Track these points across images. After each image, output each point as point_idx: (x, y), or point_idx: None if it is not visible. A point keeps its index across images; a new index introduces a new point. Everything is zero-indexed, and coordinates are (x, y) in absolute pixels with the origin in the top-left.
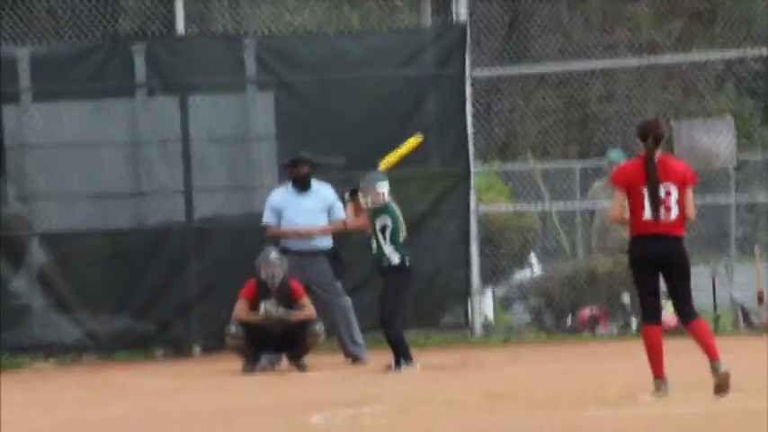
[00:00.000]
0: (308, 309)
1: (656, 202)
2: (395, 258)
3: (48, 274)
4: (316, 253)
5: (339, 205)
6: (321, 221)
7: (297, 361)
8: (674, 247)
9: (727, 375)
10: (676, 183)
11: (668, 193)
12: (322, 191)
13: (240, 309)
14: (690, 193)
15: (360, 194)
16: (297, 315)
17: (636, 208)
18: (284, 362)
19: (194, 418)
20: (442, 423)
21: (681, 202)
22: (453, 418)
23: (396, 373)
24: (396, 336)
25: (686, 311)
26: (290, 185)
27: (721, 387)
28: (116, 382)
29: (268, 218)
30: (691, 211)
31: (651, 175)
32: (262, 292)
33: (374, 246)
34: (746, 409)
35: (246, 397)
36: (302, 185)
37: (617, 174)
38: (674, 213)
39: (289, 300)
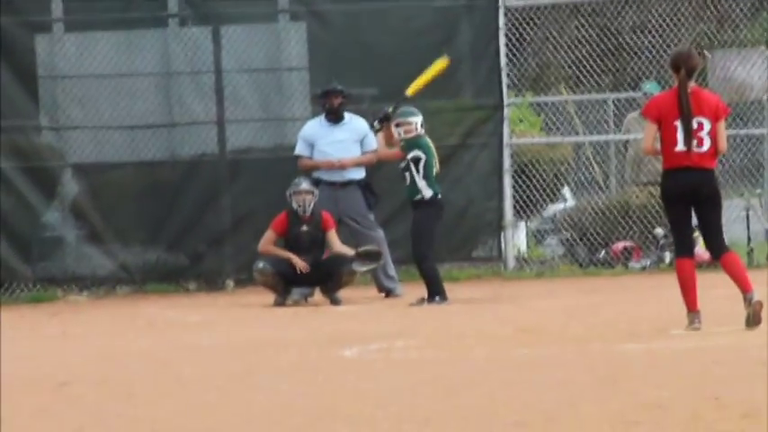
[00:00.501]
0: (336, 244)
1: (689, 135)
2: (428, 192)
3: (80, 206)
4: (348, 184)
5: (372, 136)
6: (354, 153)
7: (330, 295)
8: (705, 180)
9: (759, 305)
10: (708, 115)
11: (700, 126)
12: (354, 122)
13: (267, 240)
14: (722, 126)
15: (392, 124)
16: (338, 250)
17: (668, 140)
18: (317, 295)
19: (225, 350)
20: (474, 356)
21: (713, 135)
22: (486, 352)
23: (429, 306)
24: (429, 269)
25: (717, 245)
26: (322, 117)
27: (753, 317)
28: (148, 314)
29: (300, 149)
30: (722, 144)
31: (684, 107)
32: (293, 221)
33: (407, 179)
34: None
35: (278, 330)
36: (335, 117)
37: (649, 106)
38: (706, 146)
39: (318, 230)
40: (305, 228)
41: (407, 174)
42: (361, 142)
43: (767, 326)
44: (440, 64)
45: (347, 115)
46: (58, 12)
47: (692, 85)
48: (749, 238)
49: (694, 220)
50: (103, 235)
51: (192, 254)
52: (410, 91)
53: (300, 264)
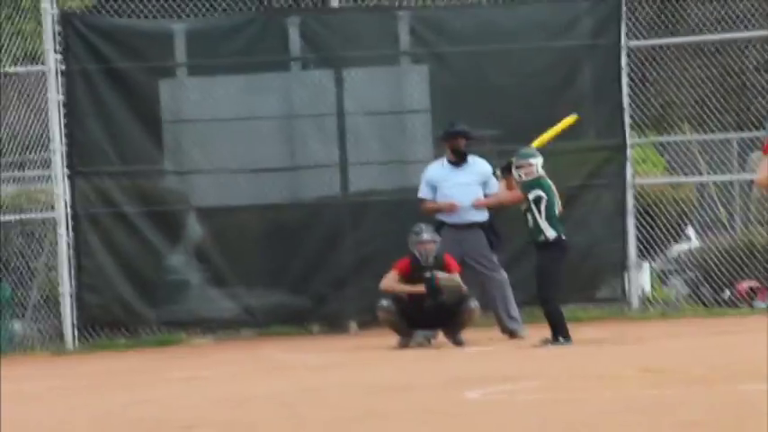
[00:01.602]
0: (457, 280)
1: None
2: (551, 233)
3: (204, 249)
4: (472, 226)
5: (494, 179)
6: (477, 194)
7: (453, 336)
8: None
9: None
10: None
11: None
12: (477, 164)
13: (390, 278)
14: None
15: (513, 169)
16: (449, 282)
17: None
18: (440, 337)
19: (350, 393)
20: (599, 398)
21: None
22: (610, 393)
23: (553, 347)
24: (553, 311)
25: None
26: (445, 159)
27: None
28: (273, 357)
29: (424, 192)
30: None
31: None
32: (415, 268)
33: (530, 220)
34: None
35: (402, 372)
36: (458, 159)
37: None
38: None
39: (440, 269)
40: (428, 275)
41: (529, 215)
42: (485, 184)
43: None
44: (569, 120)
45: (470, 157)
46: (181, 57)
47: None
48: None
49: None
50: (227, 278)
51: (314, 296)
52: (536, 143)
53: (419, 289)
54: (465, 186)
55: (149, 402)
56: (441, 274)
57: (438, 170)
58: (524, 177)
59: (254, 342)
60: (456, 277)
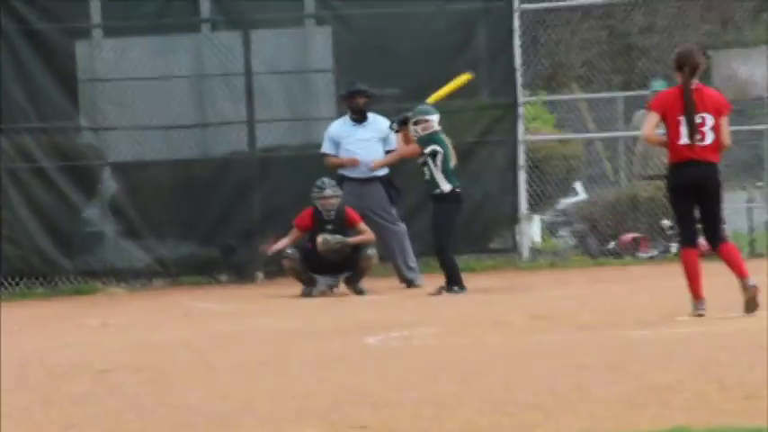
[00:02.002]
0: (366, 233)
1: (692, 129)
2: (446, 186)
3: (118, 203)
4: (372, 180)
5: (393, 135)
6: (377, 150)
7: (354, 285)
8: (708, 173)
9: (755, 289)
10: (711, 111)
11: (703, 121)
12: (378, 122)
13: (293, 238)
14: (725, 122)
15: (410, 125)
16: (355, 238)
17: (673, 135)
18: (342, 286)
19: (255, 339)
20: (491, 343)
21: (716, 130)
22: (502, 339)
23: (448, 296)
24: (448, 260)
25: (716, 235)
26: (347, 117)
27: (751, 303)
28: (183, 305)
29: (327, 147)
30: (726, 139)
31: (688, 103)
32: (317, 221)
33: (426, 173)
34: None
35: (306, 320)
36: (359, 116)
37: (654, 100)
38: (709, 140)
39: (345, 227)
40: (330, 227)
41: (426, 169)
42: (384, 140)
43: (767, 311)
44: (463, 78)
45: (370, 115)
46: (96, 18)
47: (695, 82)
48: (751, 229)
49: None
50: (140, 230)
51: (223, 247)
52: (431, 99)
53: (319, 239)
54: (366, 142)
55: (66, 348)
56: (324, 241)
57: (340, 127)
58: (421, 132)
59: (166, 291)
60: (338, 237)
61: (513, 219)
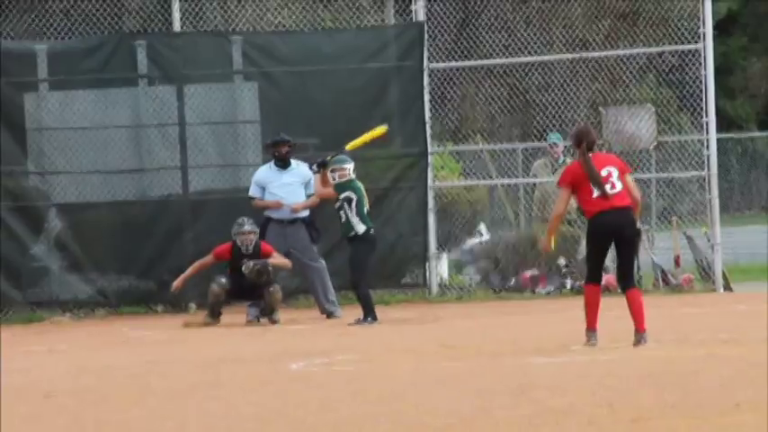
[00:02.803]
0: (280, 259)
1: (600, 183)
2: (360, 228)
3: (63, 240)
4: (295, 221)
5: (313, 180)
6: (299, 194)
7: (269, 317)
8: (627, 217)
9: (643, 343)
10: (614, 165)
11: (609, 174)
12: (300, 168)
13: (203, 262)
14: (630, 179)
15: (328, 170)
16: (274, 260)
17: (586, 196)
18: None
19: (188, 365)
20: (403, 369)
21: (622, 179)
22: (413, 365)
23: (364, 326)
24: (363, 294)
25: (629, 278)
26: (272, 163)
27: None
28: (122, 333)
29: (253, 191)
30: (636, 193)
31: (589, 167)
32: (235, 254)
33: (342, 216)
34: (662, 357)
35: (235, 347)
36: (283, 163)
37: (563, 176)
38: (619, 187)
39: (259, 259)
40: (246, 260)
41: (342, 212)
42: (306, 185)
43: (652, 342)
44: (379, 130)
45: (293, 162)
46: (43, 73)
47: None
48: (638, 267)
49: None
50: (83, 264)
51: (159, 281)
52: (348, 146)
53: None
54: (289, 186)
55: (14, 372)
56: (246, 266)
57: (266, 172)
58: (338, 179)
59: (108, 320)
60: (260, 261)
61: (423, 257)
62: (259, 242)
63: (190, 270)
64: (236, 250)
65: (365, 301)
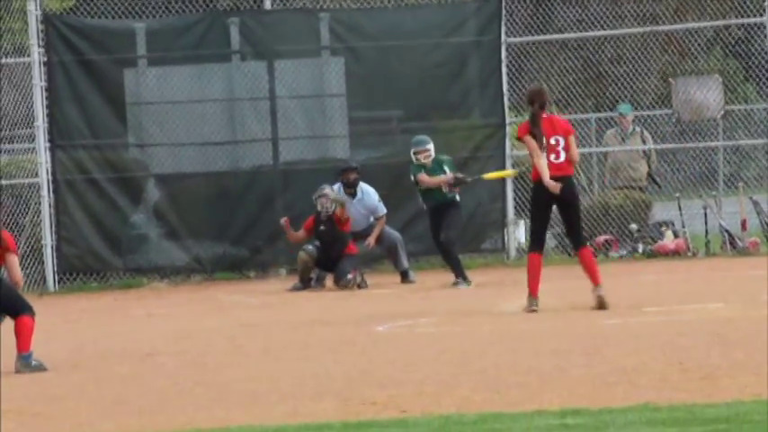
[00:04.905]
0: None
1: (540, 138)
2: (458, 195)
3: (161, 209)
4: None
5: (381, 205)
6: (364, 223)
7: (339, 283)
8: (567, 185)
9: (601, 298)
10: (561, 133)
11: (557, 142)
12: (366, 198)
13: (299, 236)
14: (572, 141)
15: (411, 152)
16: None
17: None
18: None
19: (279, 328)
20: (483, 330)
21: (566, 149)
22: (493, 327)
23: (460, 288)
24: (457, 257)
25: (577, 240)
26: (341, 187)
27: (600, 307)
28: (217, 298)
29: None
30: (574, 155)
31: (537, 133)
32: (317, 221)
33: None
34: (729, 317)
35: (322, 311)
36: (351, 190)
37: (521, 129)
38: (562, 157)
39: (334, 228)
40: (322, 228)
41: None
42: (373, 212)
43: (724, 304)
44: (508, 172)
45: (360, 190)
46: (142, 50)
47: (545, 114)
48: (706, 232)
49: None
50: (180, 232)
51: (252, 248)
52: (485, 176)
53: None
54: (356, 220)
55: (116, 335)
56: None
57: None
58: (423, 160)
59: (203, 286)
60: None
61: (501, 223)
62: (336, 209)
63: (289, 234)
64: (317, 217)
65: (459, 263)
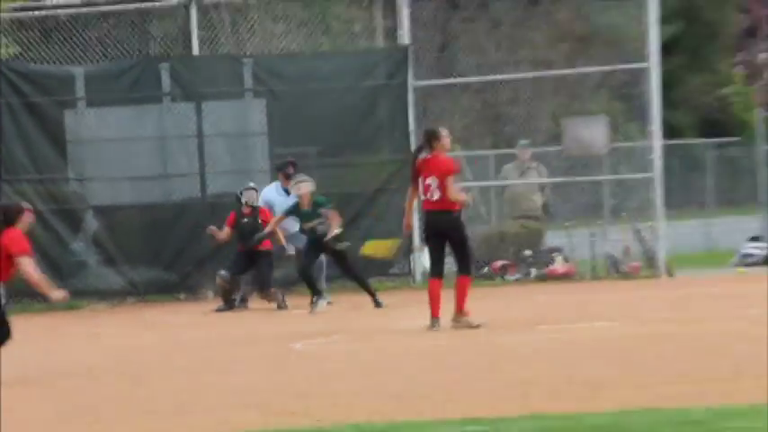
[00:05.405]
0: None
1: (414, 178)
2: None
3: (99, 237)
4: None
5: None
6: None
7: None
8: (445, 220)
9: (455, 325)
10: (436, 175)
11: (429, 185)
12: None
13: (224, 235)
14: (449, 181)
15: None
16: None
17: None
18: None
19: (208, 345)
20: (391, 347)
21: (441, 187)
22: (400, 344)
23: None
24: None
25: (459, 267)
26: (278, 185)
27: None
28: (150, 318)
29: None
30: (450, 194)
31: (414, 173)
32: (238, 214)
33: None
34: (613, 334)
35: (244, 328)
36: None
37: (412, 167)
38: (436, 196)
39: (256, 222)
40: (245, 220)
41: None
42: None
43: (609, 322)
44: (386, 246)
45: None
46: (81, 93)
47: (430, 155)
48: (593, 257)
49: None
50: (116, 259)
51: (182, 272)
52: (364, 250)
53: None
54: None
55: (58, 353)
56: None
57: (273, 194)
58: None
59: (138, 307)
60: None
61: (408, 249)
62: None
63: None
64: (238, 212)
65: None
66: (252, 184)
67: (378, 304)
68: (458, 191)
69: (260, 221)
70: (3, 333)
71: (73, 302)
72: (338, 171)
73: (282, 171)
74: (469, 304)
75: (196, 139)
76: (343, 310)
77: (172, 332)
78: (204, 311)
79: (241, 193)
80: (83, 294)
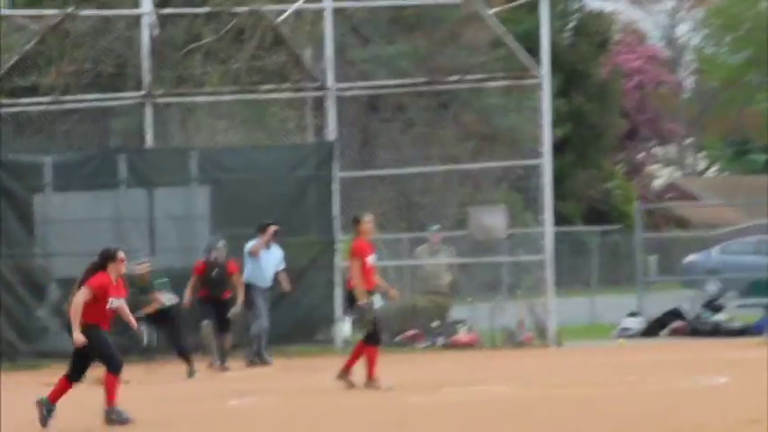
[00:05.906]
0: (236, 284)
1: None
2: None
3: (60, 306)
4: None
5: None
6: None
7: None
8: (352, 296)
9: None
10: (350, 257)
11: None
12: (274, 250)
13: (192, 283)
14: (352, 263)
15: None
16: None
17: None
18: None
19: (152, 403)
20: (313, 406)
21: (351, 269)
22: (320, 403)
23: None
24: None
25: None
26: (258, 238)
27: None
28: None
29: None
30: (352, 275)
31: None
32: (208, 266)
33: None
34: (507, 396)
35: (185, 387)
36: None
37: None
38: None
39: (224, 273)
40: (214, 274)
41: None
42: (280, 262)
43: (505, 386)
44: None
45: (272, 246)
46: (48, 179)
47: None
48: (492, 328)
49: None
50: None
51: (138, 337)
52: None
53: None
54: (273, 261)
55: (25, 406)
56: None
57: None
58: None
59: (96, 366)
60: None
61: (331, 320)
62: (225, 262)
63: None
64: (207, 264)
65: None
66: (221, 242)
67: (191, 374)
68: (360, 279)
69: (226, 276)
70: None
71: (37, 362)
72: None
73: (269, 228)
74: (382, 368)
75: (148, 221)
76: (280, 370)
77: (119, 389)
78: (155, 369)
79: (210, 250)
80: (46, 356)
